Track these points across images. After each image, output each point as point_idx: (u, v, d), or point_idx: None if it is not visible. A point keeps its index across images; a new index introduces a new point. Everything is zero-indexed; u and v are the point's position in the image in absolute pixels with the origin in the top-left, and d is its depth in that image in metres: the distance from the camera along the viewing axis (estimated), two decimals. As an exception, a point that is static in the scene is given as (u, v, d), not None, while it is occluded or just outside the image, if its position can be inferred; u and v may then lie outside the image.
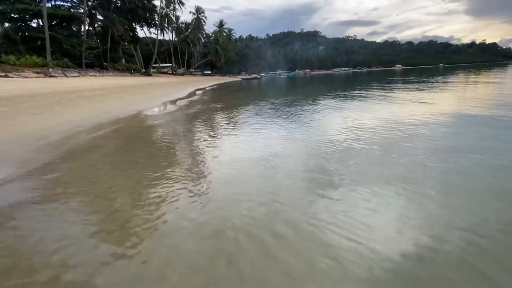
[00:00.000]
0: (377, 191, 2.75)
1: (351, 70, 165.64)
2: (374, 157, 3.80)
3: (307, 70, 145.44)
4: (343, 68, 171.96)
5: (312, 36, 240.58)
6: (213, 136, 5.68)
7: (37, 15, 26.49)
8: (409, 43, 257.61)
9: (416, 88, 15.99)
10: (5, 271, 1.78)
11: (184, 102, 13.91)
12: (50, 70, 21.49)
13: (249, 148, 4.67)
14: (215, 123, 7.43)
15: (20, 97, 8.61)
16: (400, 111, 7.81)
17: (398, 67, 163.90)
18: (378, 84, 22.11)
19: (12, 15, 26.35)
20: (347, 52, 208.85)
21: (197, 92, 21.90)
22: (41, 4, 24.92)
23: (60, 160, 4.06)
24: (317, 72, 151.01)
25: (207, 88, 28.57)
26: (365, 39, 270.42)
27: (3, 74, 16.75)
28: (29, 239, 2.12)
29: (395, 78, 31.43)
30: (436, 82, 20.49)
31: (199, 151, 4.61)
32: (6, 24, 27.70)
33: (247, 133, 5.95)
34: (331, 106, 9.73)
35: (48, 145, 4.72)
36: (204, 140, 5.28)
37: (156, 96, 16.16)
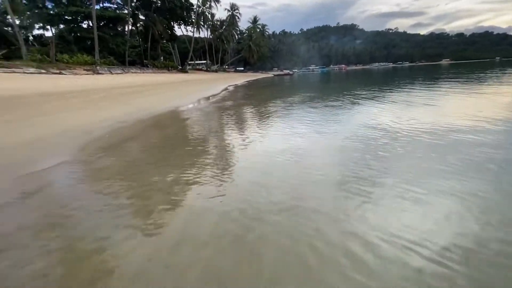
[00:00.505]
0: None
1: (391, 64, 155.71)
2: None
3: (343, 65, 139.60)
4: (382, 63, 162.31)
5: (349, 30, 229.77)
6: (245, 133, 5.55)
7: (87, 17, 28.79)
8: (460, 34, 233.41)
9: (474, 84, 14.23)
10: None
11: (217, 98, 14.06)
12: (98, 67, 23.25)
13: (279, 143, 4.52)
14: (246, 119, 7.31)
15: (70, 93, 9.33)
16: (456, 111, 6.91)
17: (445, 61, 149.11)
18: (421, 80, 20.19)
19: (66, 17, 28.93)
20: (387, 45, 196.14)
21: (230, 89, 22.09)
22: (91, 7, 27.02)
23: (101, 152, 4.21)
24: (353, 67, 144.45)
25: (239, 84, 28.74)
26: (408, 32, 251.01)
27: (57, 71, 18.46)
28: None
29: (444, 74, 28.51)
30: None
31: (232, 147, 4.55)
32: (61, 26, 30.54)
33: (277, 128, 5.83)
34: (364, 104, 9.02)
35: (92, 139, 4.96)
36: (237, 136, 5.17)
37: (191, 92, 16.58)
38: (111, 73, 23.74)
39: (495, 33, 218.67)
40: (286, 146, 4.31)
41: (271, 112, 8.32)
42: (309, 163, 3.54)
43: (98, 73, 22.05)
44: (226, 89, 21.55)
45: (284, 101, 11.05)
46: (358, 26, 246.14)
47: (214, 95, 15.52)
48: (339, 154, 3.88)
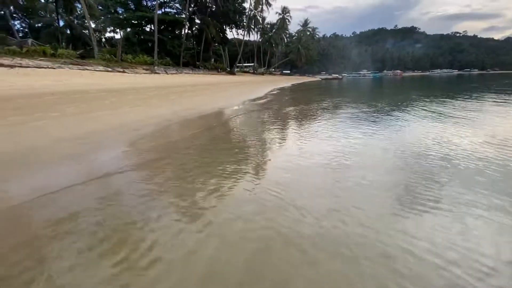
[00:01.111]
0: None
1: (455, 72, 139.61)
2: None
3: (398, 71, 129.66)
4: (444, 70, 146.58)
5: (408, 33, 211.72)
6: (286, 138, 5.22)
7: (150, 21, 31.50)
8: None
9: None
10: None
11: (263, 101, 13.95)
12: (155, 67, 25.19)
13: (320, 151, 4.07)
14: (289, 123, 6.95)
15: (128, 90, 10.12)
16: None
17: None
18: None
19: (133, 21, 32.06)
20: (452, 50, 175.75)
21: (275, 92, 21.89)
22: (154, 11, 29.50)
23: (147, 150, 4.31)
24: (410, 73, 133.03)
25: (285, 87, 28.42)
26: (479, 36, 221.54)
27: (121, 70, 20.43)
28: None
29: None
30: None
31: (273, 149, 4.29)
32: (128, 29, 33.94)
33: (319, 135, 5.35)
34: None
35: (139, 135, 5.17)
36: (280, 141, 4.87)
37: (237, 94, 16.80)
38: (167, 73, 25.49)
39: None
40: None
41: (313, 116, 7.85)
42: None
43: (155, 73, 23.84)
44: (271, 92, 21.40)
45: (327, 105, 10.44)
46: (419, 29, 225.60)
47: (259, 98, 15.48)
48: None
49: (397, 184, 2.98)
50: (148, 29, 33.85)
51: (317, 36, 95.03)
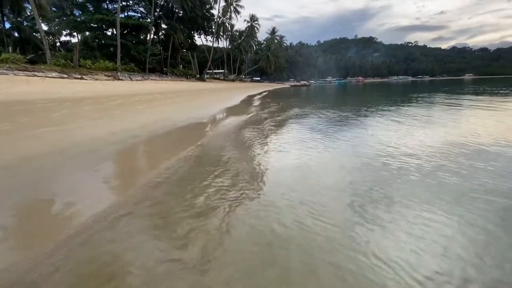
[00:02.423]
0: None
1: (410, 78, 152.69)
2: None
3: (360, 78, 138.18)
4: (400, 76, 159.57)
5: (367, 43, 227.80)
6: (278, 148, 4.50)
7: (112, 24, 29.29)
8: (484, 49, 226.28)
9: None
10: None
11: (239, 109, 13.21)
12: (119, 73, 23.24)
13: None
14: (273, 133, 6.30)
15: (86, 99, 8.72)
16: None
17: (468, 76, 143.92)
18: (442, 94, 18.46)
19: (92, 24, 29.57)
20: (406, 59, 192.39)
21: (249, 99, 21.31)
22: (116, 15, 27.44)
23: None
24: (371, 80, 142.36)
25: (259, 95, 28.03)
26: (428, 45, 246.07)
27: (79, 76, 18.38)
28: None
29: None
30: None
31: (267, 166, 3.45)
32: (87, 33, 31.29)
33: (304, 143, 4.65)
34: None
35: (96, 158, 4.07)
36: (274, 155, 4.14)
37: (211, 102, 15.85)
38: (131, 79, 23.65)
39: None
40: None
41: (293, 125, 7.31)
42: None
43: (119, 79, 21.94)
44: (246, 99, 20.77)
45: (302, 111, 10.04)
46: (377, 39, 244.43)
47: (235, 105, 14.71)
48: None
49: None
50: (109, 33, 31.48)
51: (284, 44, 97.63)
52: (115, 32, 28.82)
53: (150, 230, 2.19)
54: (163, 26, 36.95)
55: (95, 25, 29.74)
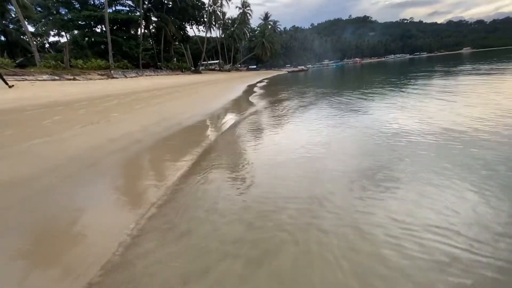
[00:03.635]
0: None
1: (407, 56, 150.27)
2: None
3: (357, 59, 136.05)
4: (398, 55, 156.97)
5: (362, 22, 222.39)
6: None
7: (100, 21, 28.00)
8: (480, 22, 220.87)
9: None
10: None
11: (244, 101, 12.50)
12: (112, 71, 22.32)
13: None
14: (284, 123, 5.68)
15: (80, 102, 8.03)
16: None
17: (466, 50, 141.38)
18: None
19: (79, 22, 28.29)
20: (403, 36, 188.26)
21: (250, 89, 20.51)
22: (104, 10, 26.16)
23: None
24: (368, 60, 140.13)
25: (259, 83, 27.15)
26: (424, 21, 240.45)
27: (71, 77, 17.54)
28: None
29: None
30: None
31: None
32: (75, 32, 30.06)
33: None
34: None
35: (96, 176, 3.45)
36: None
37: (211, 96, 15.08)
38: (126, 76, 22.76)
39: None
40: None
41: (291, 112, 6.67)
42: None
43: (113, 77, 21.07)
44: (247, 90, 19.95)
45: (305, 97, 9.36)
46: (371, 18, 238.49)
47: (239, 97, 13.97)
48: None
49: None
50: (99, 30, 30.22)
51: (278, 29, 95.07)
52: (104, 29, 27.60)
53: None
54: (153, 19, 35.53)
55: (83, 23, 28.48)
